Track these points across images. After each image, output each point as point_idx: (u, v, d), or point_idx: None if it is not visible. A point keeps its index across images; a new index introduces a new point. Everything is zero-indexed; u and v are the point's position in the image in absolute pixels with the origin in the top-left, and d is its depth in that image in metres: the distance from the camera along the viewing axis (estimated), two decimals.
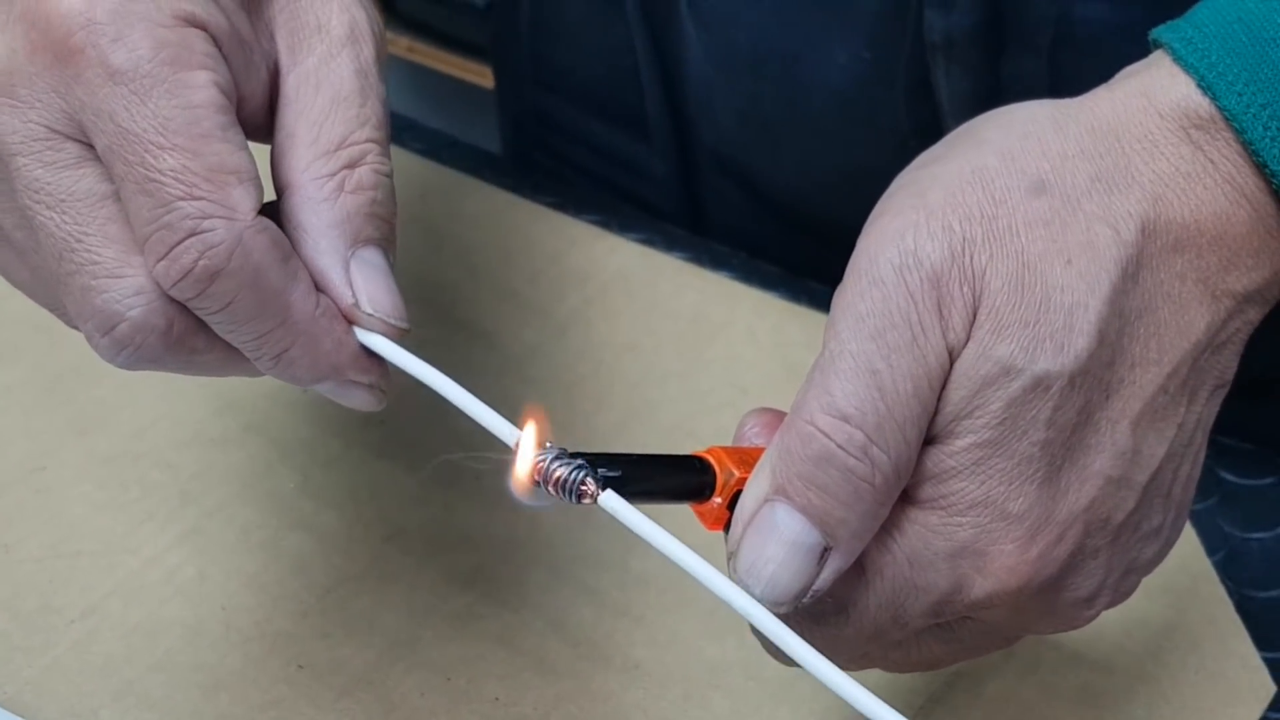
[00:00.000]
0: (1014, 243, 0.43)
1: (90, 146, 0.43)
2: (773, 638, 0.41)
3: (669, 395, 0.67)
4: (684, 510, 0.46)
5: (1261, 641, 0.57)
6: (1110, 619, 0.58)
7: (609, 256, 0.72)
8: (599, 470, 0.42)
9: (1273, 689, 0.56)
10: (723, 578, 0.41)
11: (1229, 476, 0.63)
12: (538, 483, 0.42)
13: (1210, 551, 0.60)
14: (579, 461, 0.42)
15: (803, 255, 0.73)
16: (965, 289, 0.43)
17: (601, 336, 0.69)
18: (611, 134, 0.81)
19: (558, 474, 0.42)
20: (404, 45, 1.59)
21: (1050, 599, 0.45)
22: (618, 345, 0.69)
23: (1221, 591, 0.59)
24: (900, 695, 0.56)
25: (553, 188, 0.77)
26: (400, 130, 0.79)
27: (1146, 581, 0.58)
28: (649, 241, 0.73)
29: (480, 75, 1.51)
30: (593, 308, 0.70)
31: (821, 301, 0.69)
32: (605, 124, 0.81)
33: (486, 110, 0.94)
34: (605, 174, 0.83)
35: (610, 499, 0.42)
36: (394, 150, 0.78)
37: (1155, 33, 0.46)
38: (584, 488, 0.42)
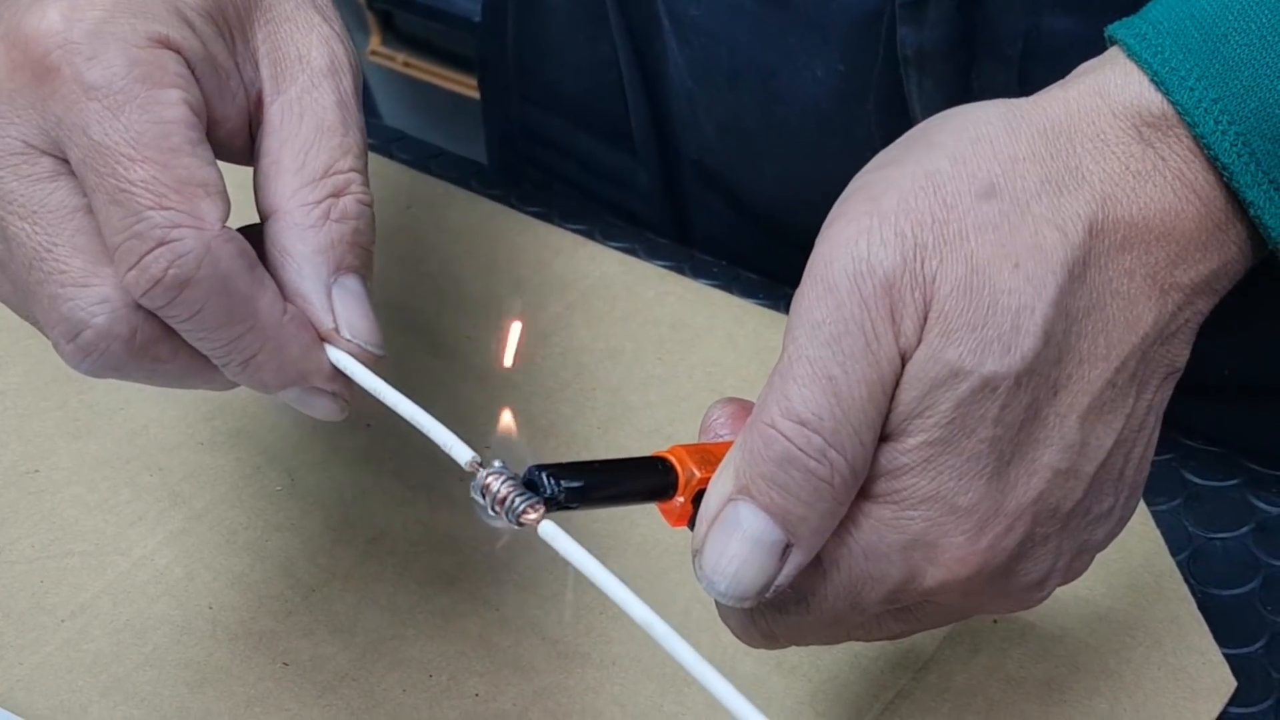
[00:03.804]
0: (964, 247, 0.44)
1: (64, 162, 0.45)
2: (693, 672, 0.40)
3: (649, 400, 0.68)
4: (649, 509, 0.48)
5: (1224, 638, 0.58)
6: (1075, 615, 0.59)
7: (591, 264, 0.74)
8: (561, 483, 0.44)
9: (1233, 684, 0.57)
10: (652, 612, 0.41)
11: (1194, 478, 0.64)
12: (485, 504, 0.44)
13: (1174, 551, 0.61)
14: (522, 490, 0.43)
15: (783, 263, 0.74)
16: (917, 294, 0.44)
17: (583, 342, 0.70)
18: (597, 146, 0.83)
19: (501, 495, 0.43)
20: (400, 60, 1.60)
21: (1002, 584, 0.46)
22: (599, 351, 0.70)
23: (1184, 589, 0.60)
24: (868, 689, 0.57)
25: (538, 198, 0.78)
26: (389, 141, 0.81)
27: (1110, 579, 0.60)
28: (631, 250, 0.75)
29: (475, 88, 1.53)
30: (575, 314, 0.72)
31: None
32: (590, 137, 0.83)
33: (480, 123, 0.95)
34: (591, 185, 0.84)
35: (548, 528, 0.43)
36: (382, 161, 0.80)
37: (1111, 29, 0.48)
38: (525, 515, 0.43)
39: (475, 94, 1.51)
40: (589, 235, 0.75)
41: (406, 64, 1.61)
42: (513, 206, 0.77)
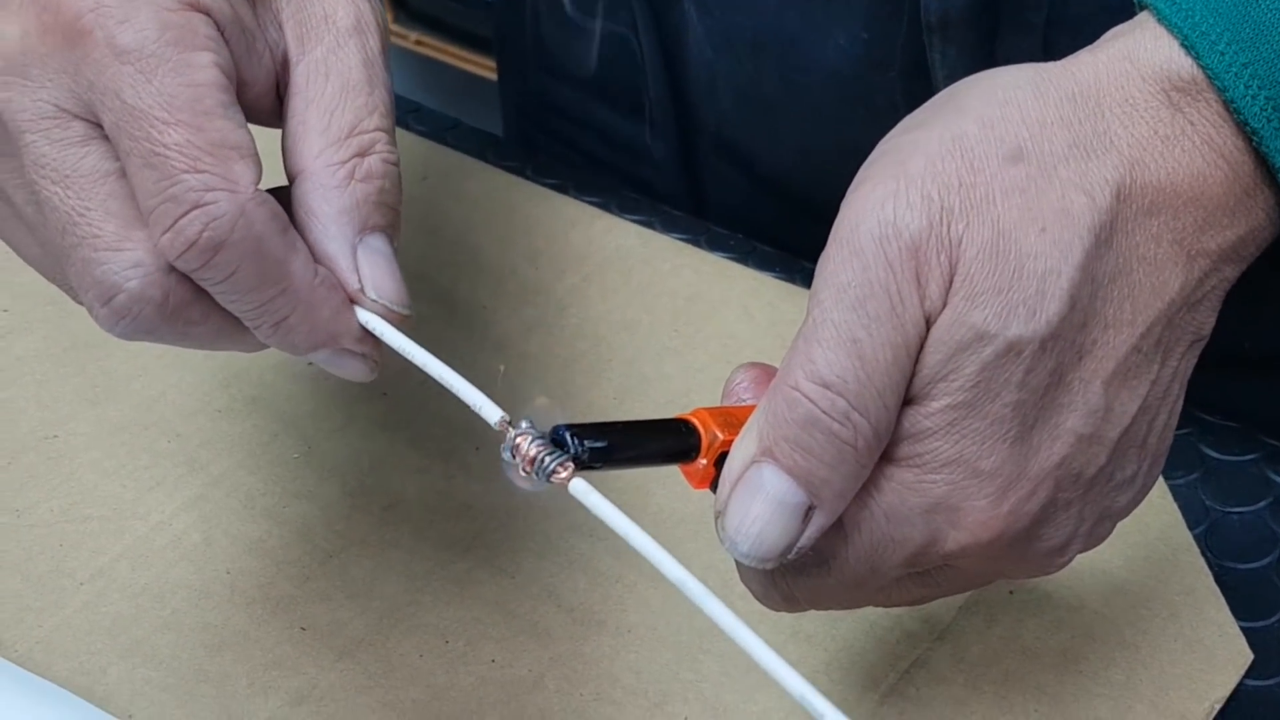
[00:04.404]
0: (990, 211, 0.44)
1: (97, 125, 0.45)
2: (726, 630, 0.40)
3: (665, 371, 0.68)
4: (671, 471, 0.48)
5: (1240, 611, 0.59)
6: (1092, 587, 0.59)
7: (607, 236, 0.74)
8: (585, 442, 0.43)
9: (1250, 656, 0.57)
10: (680, 566, 0.41)
11: (1212, 453, 0.64)
12: (515, 463, 0.44)
13: (1192, 525, 0.62)
14: (553, 448, 0.43)
15: (800, 235, 0.74)
16: (942, 257, 0.44)
17: (599, 314, 0.70)
18: (614, 118, 0.83)
19: (531, 455, 0.43)
20: (412, 39, 1.60)
21: (1023, 549, 0.46)
22: (615, 322, 0.70)
23: (1201, 562, 0.60)
24: (884, 658, 0.57)
25: (554, 170, 0.78)
26: (405, 113, 0.81)
27: (1128, 552, 0.60)
28: (648, 223, 0.75)
29: (486, 68, 1.53)
30: (591, 286, 0.72)
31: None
32: (608, 108, 0.83)
33: (491, 101, 0.95)
34: (608, 158, 0.84)
35: (579, 486, 0.43)
36: (399, 132, 0.80)
37: None
38: (557, 471, 0.43)
39: (488, 73, 1.51)
40: (605, 208, 0.76)
41: (419, 42, 1.61)
42: (529, 179, 0.77)
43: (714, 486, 0.46)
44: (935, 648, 0.57)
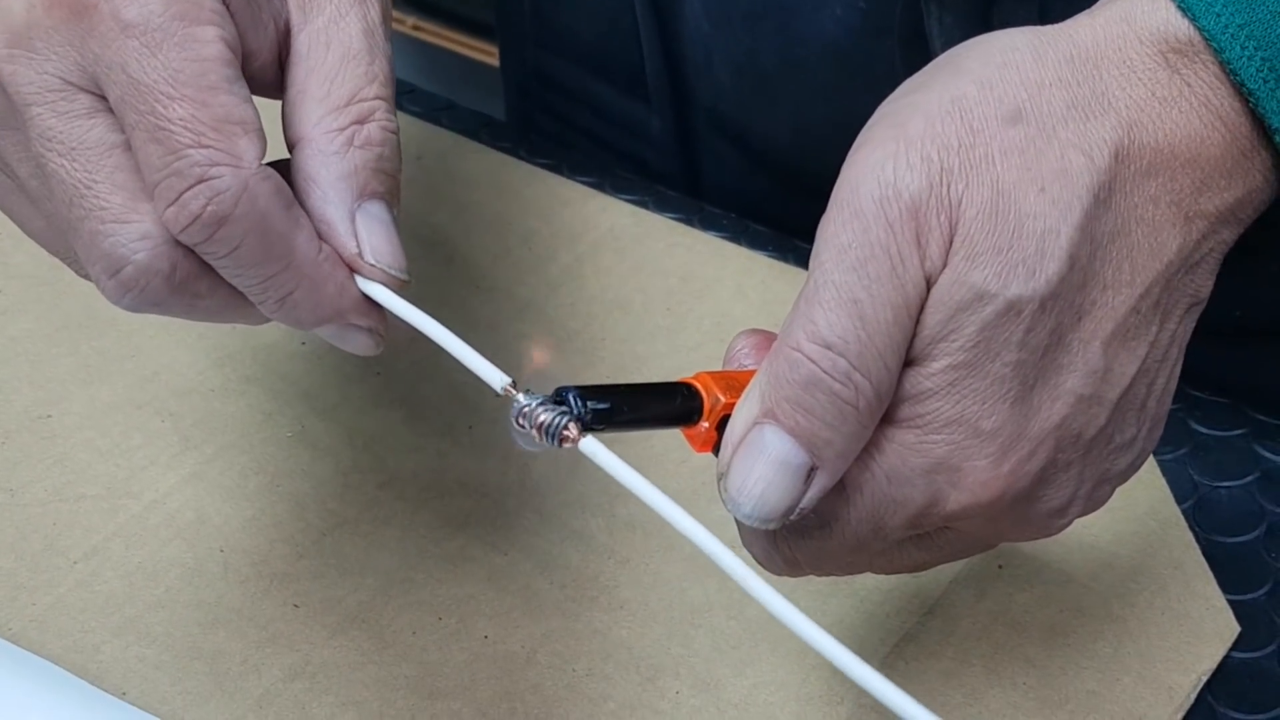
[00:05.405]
0: (990, 171, 0.44)
1: (102, 98, 0.45)
2: (738, 580, 0.41)
3: (657, 350, 0.68)
4: (673, 435, 0.48)
5: (1228, 585, 0.59)
6: (1080, 561, 0.60)
7: (601, 216, 0.74)
8: (588, 403, 0.44)
9: (1236, 629, 0.57)
10: (693, 520, 0.42)
11: (1200, 428, 0.65)
12: (523, 427, 0.44)
13: (1180, 499, 0.62)
14: (562, 408, 0.43)
15: (796, 213, 0.74)
16: (942, 218, 0.44)
17: (593, 293, 0.71)
18: (611, 94, 0.83)
19: (541, 419, 0.43)
20: (409, 24, 1.60)
21: (1023, 510, 0.47)
22: (608, 302, 0.70)
23: (1189, 536, 0.60)
24: (874, 632, 0.57)
25: (548, 150, 0.78)
26: (400, 94, 0.81)
27: (1116, 526, 0.60)
28: (641, 203, 0.75)
29: (483, 52, 1.53)
30: (585, 266, 0.72)
31: (808, 260, 0.71)
32: (605, 84, 0.83)
33: (489, 86, 0.96)
34: (605, 135, 0.84)
35: (590, 444, 0.43)
36: None
37: None
38: (565, 432, 0.43)
39: (486, 57, 1.51)
40: (599, 188, 0.76)
41: (416, 27, 1.61)
42: (523, 159, 0.77)
43: (716, 450, 0.46)
44: (925, 622, 0.58)
